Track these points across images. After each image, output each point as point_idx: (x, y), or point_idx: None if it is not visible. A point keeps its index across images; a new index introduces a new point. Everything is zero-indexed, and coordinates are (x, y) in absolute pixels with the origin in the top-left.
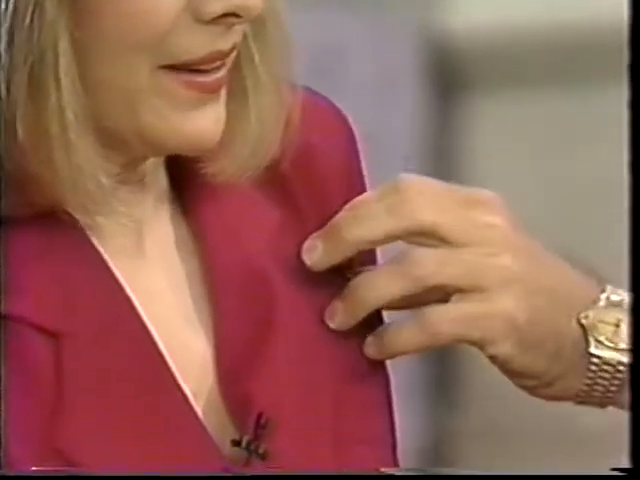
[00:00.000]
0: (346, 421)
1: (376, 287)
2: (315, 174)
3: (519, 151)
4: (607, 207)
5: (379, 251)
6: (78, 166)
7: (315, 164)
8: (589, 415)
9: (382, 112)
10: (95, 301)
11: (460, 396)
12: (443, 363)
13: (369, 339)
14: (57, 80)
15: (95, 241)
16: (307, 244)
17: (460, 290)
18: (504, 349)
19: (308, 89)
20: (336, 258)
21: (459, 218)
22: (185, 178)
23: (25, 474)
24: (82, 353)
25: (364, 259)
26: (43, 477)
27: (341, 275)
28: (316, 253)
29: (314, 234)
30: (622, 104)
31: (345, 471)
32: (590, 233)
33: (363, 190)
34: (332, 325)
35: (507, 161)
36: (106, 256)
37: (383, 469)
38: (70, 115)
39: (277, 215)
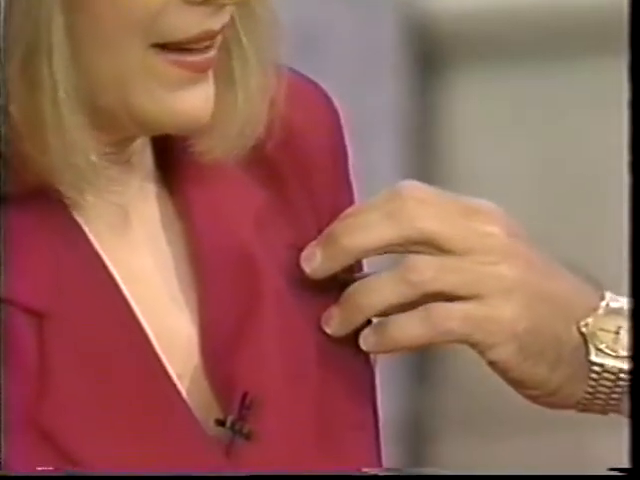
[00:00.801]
0: (330, 405)
1: (374, 293)
2: (300, 154)
3: (503, 130)
4: (597, 190)
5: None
6: (70, 144)
7: (301, 144)
8: None
9: (363, 90)
10: (80, 282)
11: (439, 371)
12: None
13: (367, 332)
14: (50, 60)
15: (82, 222)
16: (306, 252)
17: (459, 298)
18: (504, 355)
19: (294, 70)
20: (335, 266)
21: (459, 227)
22: (171, 158)
23: (25, 474)
24: (67, 334)
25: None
26: (43, 477)
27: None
28: (315, 261)
29: (313, 242)
30: (611, 80)
31: (344, 471)
32: (579, 217)
33: (347, 170)
34: (329, 330)
35: (491, 140)
36: (92, 237)
37: (365, 469)
38: (62, 94)
39: (263, 195)
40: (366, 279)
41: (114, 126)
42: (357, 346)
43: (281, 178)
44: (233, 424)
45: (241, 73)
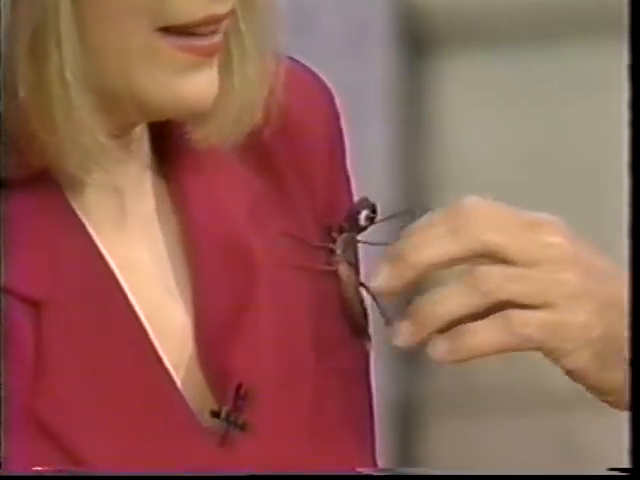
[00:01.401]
0: (325, 395)
1: (443, 304)
2: (298, 143)
3: (493, 113)
4: (591, 179)
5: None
6: (78, 124)
7: (298, 133)
8: (558, 369)
9: (351, 70)
10: (77, 271)
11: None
12: None
13: (439, 342)
14: (58, 41)
15: (78, 211)
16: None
17: (529, 307)
18: (581, 363)
19: (292, 58)
20: (401, 283)
21: (522, 239)
22: (168, 146)
23: (25, 474)
24: (64, 323)
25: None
26: (43, 477)
27: (323, 245)
28: (381, 278)
29: (378, 259)
30: (608, 64)
31: (342, 471)
32: (569, 205)
33: (344, 160)
34: (397, 343)
35: (480, 123)
36: (89, 226)
37: (361, 469)
38: (70, 75)
39: (259, 184)
40: (435, 290)
41: (118, 110)
42: (352, 335)
43: (278, 167)
44: (228, 415)
45: (239, 61)
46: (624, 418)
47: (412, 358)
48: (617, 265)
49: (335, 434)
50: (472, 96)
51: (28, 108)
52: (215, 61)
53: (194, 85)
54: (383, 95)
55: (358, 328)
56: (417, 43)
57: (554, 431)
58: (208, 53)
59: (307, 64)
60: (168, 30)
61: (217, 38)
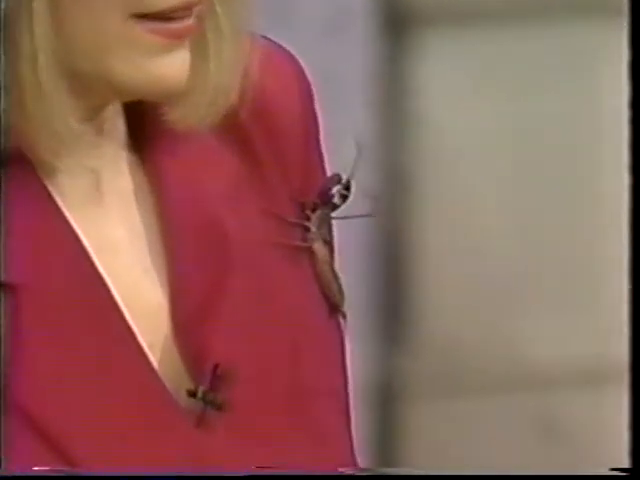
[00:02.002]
0: (303, 372)
1: None
2: (273, 123)
3: (475, 96)
4: (579, 165)
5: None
6: (49, 108)
7: (273, 113)
8: (541, 349)
9: (331, 52)
10: (52, 254)
11: (408, 333)
12: (395, 300)
13: None
14: (30, 25)
15: (55, 193)
16: None
17: None
18: None
19: (266, 38)
20: None
21: None
22: (144, 127)
23: (25, 474)
24: (40, 306)
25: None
26: (43, 477)
27: (299, 222)
28: None
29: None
30: (594, 45)
31: (333, 472)
32: (555, 186)
33: (318, 139)
34: None
35: (462, 106)
36: (64, 207)
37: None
38: (42, 59)
39: (235, 163)
40: None
41: (91, 92)
42: (328, 312)
43: (253, 147)
44: (205, 395)
45: (214, 42)
46: (607, 396)
47: (392, 338)
48: (615, 260)
49: (312, 410)
50: (455, 78)
51: (1, 94)
52: (187, 42)
53: (167, 67)
54: (364, 77)
55: (333, 305)
56: (399, 23)
57: (536, 410)
58: (181, 36)
59: (285, 46)
60: (142, 16)
61: (190, 21)
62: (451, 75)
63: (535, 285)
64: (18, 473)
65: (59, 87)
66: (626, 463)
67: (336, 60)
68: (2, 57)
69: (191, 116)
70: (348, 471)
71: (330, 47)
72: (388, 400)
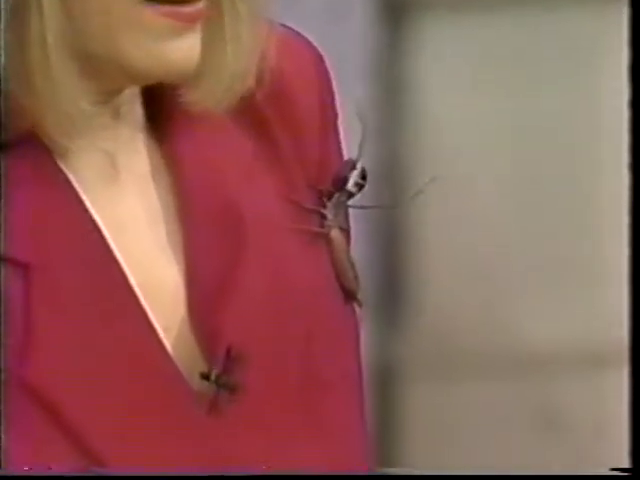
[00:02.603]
0: (316, 358)
1: None
2: (290, 108)
3: (478, 79)
4: (577, 156)
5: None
6: (58, 89)
7: (290, 98)
8: (538, 333)
9: (330, 38)
10: (65, 233)
11: (405, 318)
12: (392, 285)
13: None
14: (40, 6)
15: (68, 172)
16: None
17: None
18: None
19: (285, 26)
20: None
21: None
22: (161, 109)
23: (25, 474)
24: (52, 285)
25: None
26: (43, 477)
27: (314, 210)
28: None
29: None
30: (596, 32)
31: (338, 471)
32: (557, 179)
33: (336, 125)
34: None
35: (461, 93)
36: (79, 187)
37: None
38: (51, 40)
39: (252, 147)
40: None
41: (102, 75)
42: (344, 299)
43: (271, 131)
44: (218, 377)
45: (231, 25)
46: (606, 380)
47: (390, 323)
48: (613, 245)
49: (325, 395)
50: (454, 64)
51: (9, 74)
52: (198, 27)
53: (177, 50)
54: (363, 64)
55: (349, 293)
56: (398, 9)
57: (534, 395)
58: (191, 19)
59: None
60: None
61: (200, 4)
62: (450, 62)
63: (533, 271)
64: (18, 473)
65: (69, 69)
66: (625, 460)
67: (334, 47)
68: (9, 39)
69: (208, 99)
70: (350, 471)
71: (329, 34)
72: (385, 384)
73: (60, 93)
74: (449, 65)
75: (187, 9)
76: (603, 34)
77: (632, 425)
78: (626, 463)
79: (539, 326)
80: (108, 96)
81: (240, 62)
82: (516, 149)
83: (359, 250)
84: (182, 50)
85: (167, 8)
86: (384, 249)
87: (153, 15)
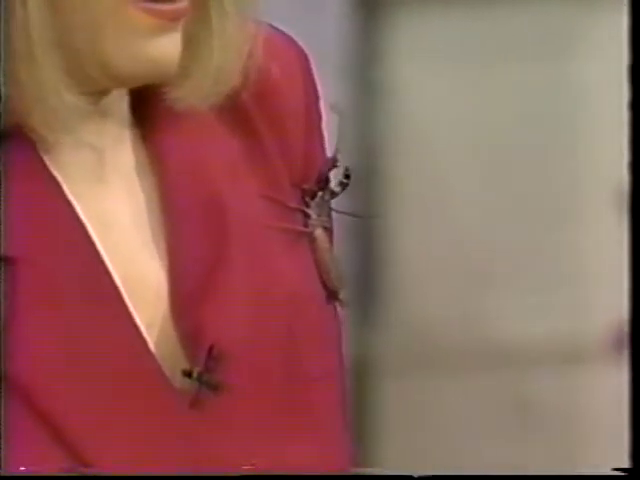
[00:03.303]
0: (299, 357)
1: None
2: (275, 107)
3: (453, 75)
4: (555, 149)
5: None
6: (42, 82)
7: (275, 97)
8: (514, 327)
9: (306, 30)
10: (50, 228)
11: (385, 311)
12: (367, 278)
13: None
14: (24, 0)
15: (53, 167)
16: None
17: None
18: None
19: (271, 25)
20: None
21: None
22: (148, 106)
23: (25, 474)
24: (37, 280)
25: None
26: (43, 477)
27: (298, 209)
28: None
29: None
30: (577, 24)
31: (331, 472)
32: (534, 164)
33: (320, 124)
34: None
35: (438, 86)
36: (63, 183)
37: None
38: (35, 33)
39: (237, 146)
40: None
41: (86, 74)
42: (326, 298)
43: (256, 130)
44: (200, 375)
45: (218, 22)
46: (582, 374)
47: (365, 317)
48: (592, 238)
49: (307, 392)
50: (432, 56)
51: None
52: (179, 26)
53: (158, 48)
54: (339, 55)
55: (332, 292)
56: (373, 3)
57: (510, 388)
58: (173, 17)
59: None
60: None
61: (182, 4)
62: (425, 56)
63: (509, 263)
64: (18, 473)
65: (54, 62)
66: (626, 460)
67: (311, 38)
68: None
69: (194, 96)
70: (346, 471)
71: (305, 26)
72: (361, 377)
73: (45, 87)
74: (424, 60)
75: (169, 7)
76: (578, 25)
77: (632, 425)
78: (626, 463)
79: (516, 320)
80: (95, 97)
81: (226, 60)
82: (493, 144)
83: (335, 247)
84: (163, 49)
85: (151, 5)
86: (359, 246)
87: (136, 11)
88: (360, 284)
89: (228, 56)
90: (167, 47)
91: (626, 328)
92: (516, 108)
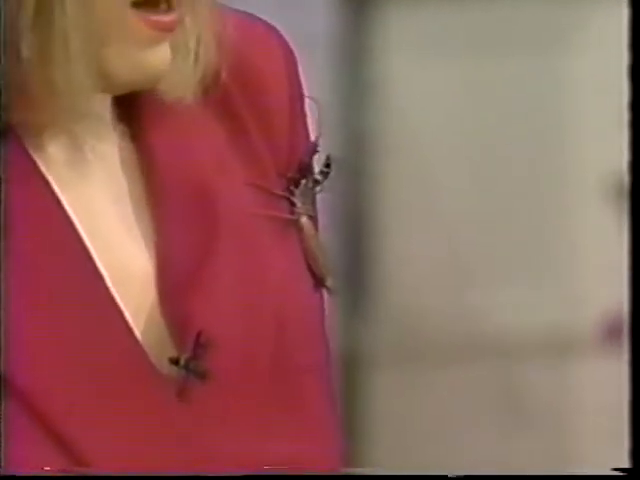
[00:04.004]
0: (286, 345)
1: None
2: (259, 95)
3: (444, 71)
4: (544, 141)
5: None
6: (76, 88)
7: (259, 85)
8: (506, 319)
9: (294, 23)
10: (34, 218)
11: (375, 303)
12: (357, 271)
13: None
14: (63, 6)
15: (36, 157)
16: None
17: None
18: None
19: (250, 14)
20: None
21: None
22: (131, 100)
23: (25, 474)
24: (22, 270)
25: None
26: (43, 477)
27: (285, 195)
28: None
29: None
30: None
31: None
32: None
33: (304, 110)
34: None
35: (426, 79)
36: (47, 172)
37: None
38: (73, 39)
39: (223, 136)
40: None
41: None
42: (313, 286)
43: (241, 119)
44: (187, 363)
45: (191, 15)
46: (571, 366)
47: (355, 309)
48: (580, 230)
49: (295, 382)
50: (422, 50)
51: (29, 70)
52: (170, 36)
53: (154, 58)
54: (328, 50)
55: (319, 279)
56: None
57: (499, 380)
58: (169, 29)
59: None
60: (138, 5)
61: (175, 15)
62: (413, 43)
63: (501, 257)
64: (18, 473)
65: (85, 65)
66: (626, 460)
67: (299, 31)
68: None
69: (177, 87)
70: (342, 471)
71: (293, 18)
72: (351, 371)
73: (78, 88)
74: (414, 54)
75: (166, 18)
76: (570, 16)
77: (632, 425)
78: (626, 463)
79: (507, 314)
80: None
81: (203, 44)
82: (483, 139)
83: (325, 239)
84: (159, 58)
85: (149, 15)
86: (350, 238)
87: (138, 22)
88: (350, 278)
89: (204, 44)
90: (161, 56)
91: (617, 318)
92: (507, 103)
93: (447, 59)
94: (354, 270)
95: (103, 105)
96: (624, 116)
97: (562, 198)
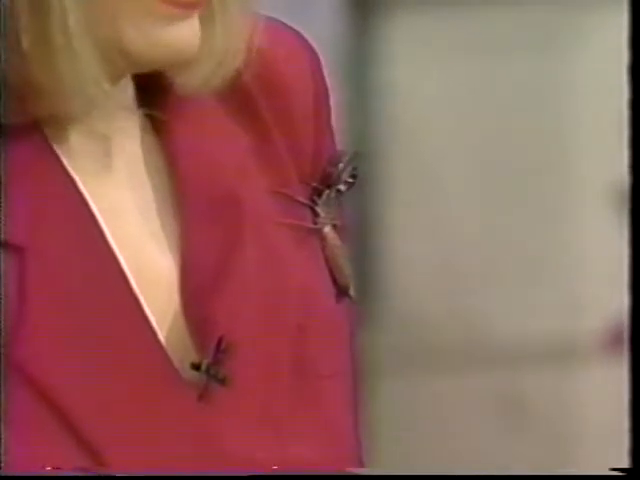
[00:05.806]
0: (308, 353)
1: None
2: (284, 100)
3: (446, 72)
4: (547, 137)
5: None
6: (81, 72)
7: (284, 91)
8: (507, 326)
9: (300, 27)
10: (60, 217)
11: (378, 310)
12: (361, 277)
13: None
14: None
15: (62, 156)
16: None
17: None
18: None
19: (277, 20)
20: None
21: None
22: (153, 93)
23: (25, 474)
24: (46, 270)
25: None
26: (44, 477)
27: (307, 205)
28: None
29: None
30: (566, 23)
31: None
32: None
33: (329, 116)
34: None
35: (430, 83)
36: (72, 171)
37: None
38: (72, 24)
39: (247, 140)
40: None
41: (109, 61)
42: (336, 295)
43: (264, 124)
44: (208, 368)
45: (220, 9)
46: (573, 373)
47: (364, 317)
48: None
49: (316, 388)
50: (426, 56)
51: (31, 58)
52: (196, 13)
53: (177, 36)
54: (332, 55)
55: (342, 288)
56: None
57: (502, 387)
58: (191, 6)
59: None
60: None
61: None
62: (417, 49)
63: (503, 264)
64: (18, 473)
65: (90, 51)
66: (626, 460)
67: (304, 33)
68: (31, 29)
69: (197, 80)
70: (348, 471)
71: (298, 23)
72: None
73: (83, 75)
74: (418, 60)
75: None
76: (568, 24)
77: (632, 425)
78: (626, 463)
79: (512, 320)
80: (115, 81)
81: (229, 42)
82: (488, 143)
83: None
84: (183, 36)
85: None
86: (353, 243)
87: (157, 1)
88: (355, 284)
89: (231, 41)
90: (186, 33)
91: (619, 325)
92: (513, 109)
93: (452, 65)
94: (358, 276)
95: (126, 98)
96: (626, 119)
97: (565, 204)
